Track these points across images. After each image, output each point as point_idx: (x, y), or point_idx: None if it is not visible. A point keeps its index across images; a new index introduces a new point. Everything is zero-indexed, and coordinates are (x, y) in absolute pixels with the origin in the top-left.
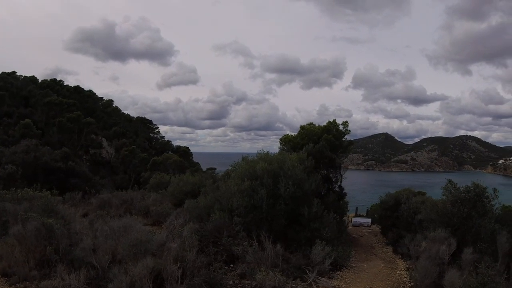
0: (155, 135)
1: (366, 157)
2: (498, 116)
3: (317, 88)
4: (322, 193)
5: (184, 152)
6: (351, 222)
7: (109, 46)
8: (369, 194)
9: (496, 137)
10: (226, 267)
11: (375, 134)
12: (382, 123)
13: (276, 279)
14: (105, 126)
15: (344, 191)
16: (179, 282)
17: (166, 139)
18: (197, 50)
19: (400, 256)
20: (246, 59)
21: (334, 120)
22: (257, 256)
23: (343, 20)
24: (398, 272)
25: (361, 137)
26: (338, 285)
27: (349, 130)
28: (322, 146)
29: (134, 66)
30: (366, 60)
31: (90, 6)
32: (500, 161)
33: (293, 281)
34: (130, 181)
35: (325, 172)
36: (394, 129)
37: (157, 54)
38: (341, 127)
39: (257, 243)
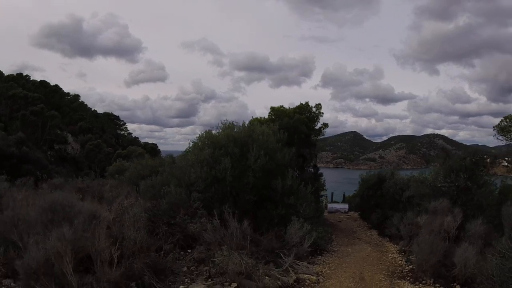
0: (123, 132)
1: (335, 155)
2: (465, 115)
3: (286, 86)
4: (297, 169)
5: (152, 149)
6: (327, 208)
7: (76, 42)
8: (339, 191)
9: (463, 135)
10: (182, 252)
11: (344, 133)
12: (350, 122)
13: (243, 262)
14: (70, 121)
15: (319, 171)
16: (114, 264)
17: (133, 136)
18: (166, 47)
19: (388, 238)
20: (215, 57)
21: (307, 102)
22: (218, 235)
23: (312, 18)
24: (390, 255)
25: (330, 135)
26: (321, 271)
27: (322, 113)
28: (296, 120)
29: (102, 62)
30: (334, 59)
31: (58, 0)
32: None
33: (265, 266)
34: (96, 177)
35: (299, 149)
36: (362, 127)
37: (125, 50)
38: (314, 109)
39: (218, 221)
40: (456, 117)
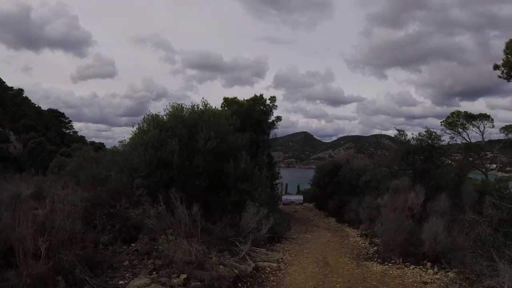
0: (68, 130)
1: (287, 154)
2: (410, 117)
3: (239, 86)
4: (251, 156)
5: (98, 148)
6: (281, 200)
7: (23, 32)
8: (290, 190)
9: (409, 136)
10: (125, 246)
11: (295, 133)
12: (301, 122)
13: (193, 250)
14: (13, 118)
15: (274, 161)
16: (42, 257)
17: (80, 135)
18: (116, 41)
19: (347, 224)
20: (167, 54)
21: (261, 95)
22: (163, 222)
23: (267, 19)
24: (351, 239)
25: (282, 135)
26: (282, 258)
27: (276, 106)
28: (249, 107)
29: (49, 56)
30: (287, 60)
31: None
32: None
33: (218, 254)
34: (37, 174)
35: (253, 135)
36: (313, 128)
37: (73, 43)
38: (268, 102)
39: (164, 207)
40: (402, 119)
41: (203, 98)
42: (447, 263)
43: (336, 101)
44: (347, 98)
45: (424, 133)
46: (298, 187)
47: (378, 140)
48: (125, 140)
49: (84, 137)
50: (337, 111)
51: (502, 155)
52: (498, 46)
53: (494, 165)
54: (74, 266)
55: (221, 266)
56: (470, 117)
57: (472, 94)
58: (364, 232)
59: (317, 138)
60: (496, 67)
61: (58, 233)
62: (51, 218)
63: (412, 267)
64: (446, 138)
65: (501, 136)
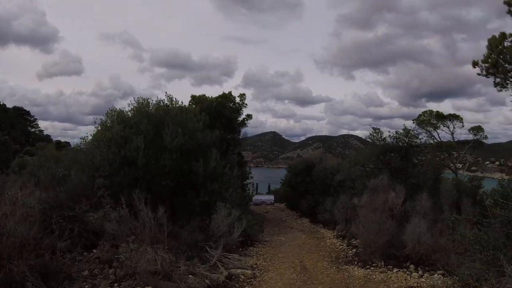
0: (34, 129)
1: (256, 154)
2: (377, 117)
3: (208, 85)
4: (220, 154)
5: (64, 148)
6: (251, 201)
7: None
8: (261, 189)
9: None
10: (85, 253)
11: (264, 133)
12: (270, 122)
13: (158, 258)
14: None
15: (244, 159)
16: None
17: (45, 134)
18: (84, 38)
19: (321, 225)
20: (135, 51)
21: (230, 92)
22: (126, 227)
23: (237, 19)
24: (328, 241)
25: (251, 135)
26: (256, 263)
27: (246, 104)
28: (219, 104)
29: (15, 52)
30: (256, 60)
31: None
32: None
33: (187, 262)
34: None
35: (223, 133)
36: (281, 128)
37: (40, 39)
38: (238, 99)
39: (127, 210)
40: (369, 119)
41: (166, 92)
42: (431, 265)
43: (305, 101)
44: (315, 98)
45: (401, 131)
46: (269, 186)
47: (346, 140)
48: (87, 137)
49: (50, 136)
50: (306, 111)
51: (469, 155)
52: (464, 49)
53: (460, 165)
54: (26, 278)
55: (190, 276)
56: (441, 117)
57: (438, 95)
58: (340, 233)
59: (286, 138)
60: (475, 64)
61: (9, 240)
62: (1, 223)
63: (395, 270)
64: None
65: (467, 136)
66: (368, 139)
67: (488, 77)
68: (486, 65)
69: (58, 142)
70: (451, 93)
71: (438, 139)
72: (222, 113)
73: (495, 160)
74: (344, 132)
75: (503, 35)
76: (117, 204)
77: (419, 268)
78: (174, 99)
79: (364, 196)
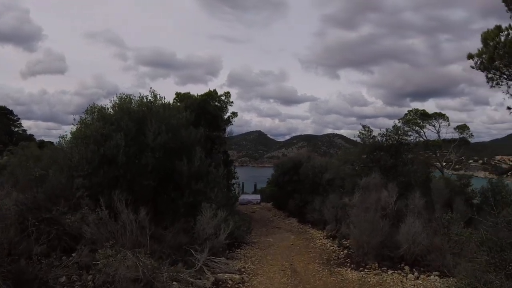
0: (17, 129)
1: (241, 153)
2: (362, 117)
3: (192, 84)
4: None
5: (43, 146)
6: (238, 201)
7: None
8: (247, 189)
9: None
10: (64, 257)
11: (248, 132)
12: (255, 121)
13: (140, 264)
14: None
15: (230, 158)
16: None
17: (29, 134)
18: (68, 36)
19: (310, 225)
20: (119, 50)
21: (215, 90)
22: (105, 230)
23: (221, 17)
24: (318, 242)
25: (236, 134)
26: (244, 267)
27: (232, 102)
28: (204, 100)
29: None
30: (241, 59)
31: None
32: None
33: (171, 268)
34: None
35: (208, 131)
36: (266, 127)
37: (24, 37)
38: (223, 97)
39: (107, 211)
40: (353, 119)
41: (151, 88)
42: (426, 266)
43: (290, 100)
44: (300, 97)
45: (391, 128)
46: (255, 186)
47: (330, 139)
48: (66, 135)
49: (33, 135)
50: (290, 110)
51: (454, 153)
52: (448, 50)
53: (444, 163)
54: None
55: (174, 283)
56: (426, 116)
57: (422, 95)
58: (330, 233)
59: (271, 137)
60: (470, 56)
61: None
62: None
63: (390, 272)
64: (409, 134)
65: (453, 135)
66: (357, 138)
67: (483, 71)
68: (483, 56)
69: (42, 141)
70: (435, 92)
71: (425, 138)
72: (207, 110)
73: (478, 158)
74: (329, 131)
75: (498, 28)
76: (97, 206)
77: (414, 270)
78: (158, 96)
79: (355, 195)
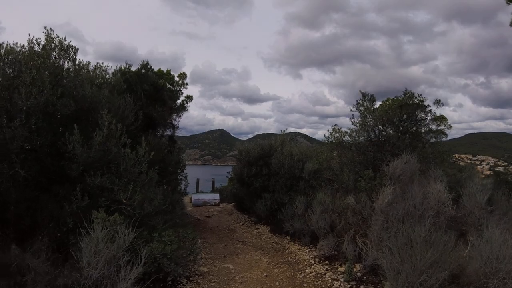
0: None
1: (203, 152)
2: (324, 116)
3: None
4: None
5: None
6: (191, 202)
7: None
8: (206, 187)
9: (322, 134)
10: None
11: (211, 130)
12: (218, 120)
13: None
14: None
15: (179, 145)
16: None
17: None
18: (26, 29)
19: (288, 237)
20: (78, 44)
21: (169, 70)
22: None
23: (184, 13)
24: (307, 269)
25: (198, 133)
26: None
27: (187, 84)
28: (143, 65)
29: None
30: (204, 56)
31: None
32: None
33: None
34: None
35: (145, 106)
36: (229, 125)
37: None
38: (177, 79)
39: None
40: (316, 118)
41: (46, 27)
42: None
43: (252, 99)
44: (263, 96)
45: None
46: (213, 182)
47: (293, 138)
48: None
49: None
50: (253, 109)
51: None
52: (410, 51)
53: None
54: None
55: None
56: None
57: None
58: (325, 253)
59: (234, 135)
60: None
61: None
62: None
63: None
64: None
65: None
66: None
67: None
68: None
69: None
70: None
71: None
72: (146, 78)
73: None
74: (291, 130)
75: None
76: None
77: None
78: (55, 36)
79: (379, 191)
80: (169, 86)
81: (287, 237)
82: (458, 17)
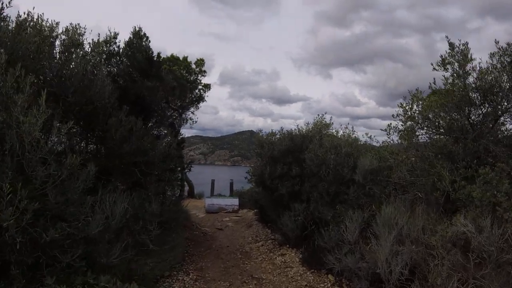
0: None
1: (233, 153)
2: (354, 117)
3: None
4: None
5: None
6: (205, 206)
7: None
8: (221, 190)
9: (353, 136)
10: None
11: (241, 131)
12: (247, 121)
13: None
14: None
15: (181, 136)
16: None
17: None
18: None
19: (332, 277)
20: None
21: (186, 57)
22: None
23: (212, 14)
24: None
25: (227, 134)
26: None
27: (205, 71)
28: (135, 33)
29: None
30: (233, 57)
31: None
32: None
33: None
34: None
35: (137, 86)
36: (259, 126)
37: None
38: (193, 66)
39: None
40: (346, 119)
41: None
42: None
43: (282, 100)
44: (292, 97)
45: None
46: (231, 184)
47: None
48: None
49: None
50: (283, 110)
51: None
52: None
53: None
54: None
55: None
56: None
57: None
58: None
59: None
60: None
61: None
62: None
63: None
64: None
65: None
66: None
67: None
68: None
69: None
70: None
71: None
72: (137, 57)
73: None
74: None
75: None
76: None
77: None
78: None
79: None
80: (186, 74)
81: (329, 276)
82: (491, 12)
